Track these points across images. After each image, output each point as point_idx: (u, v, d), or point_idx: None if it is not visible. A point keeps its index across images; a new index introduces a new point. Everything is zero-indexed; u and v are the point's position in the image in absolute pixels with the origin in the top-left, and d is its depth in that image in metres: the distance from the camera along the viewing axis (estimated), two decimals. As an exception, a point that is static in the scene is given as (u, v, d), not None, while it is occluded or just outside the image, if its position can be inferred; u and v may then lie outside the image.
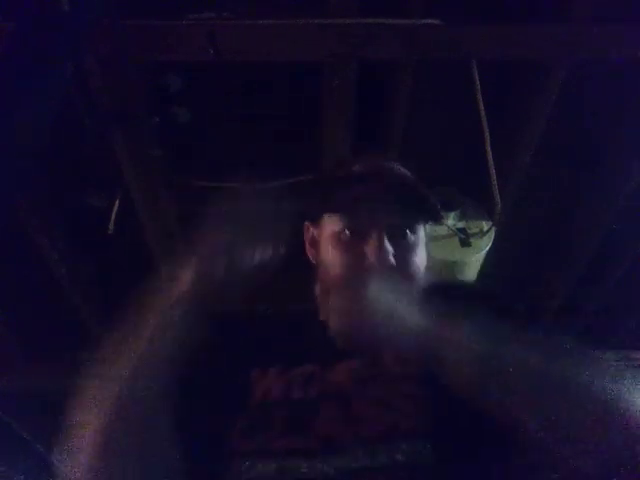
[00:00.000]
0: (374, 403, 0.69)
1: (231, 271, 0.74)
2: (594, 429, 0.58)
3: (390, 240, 0.77)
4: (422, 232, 0.83)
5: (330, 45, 1.23)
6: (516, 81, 1.47)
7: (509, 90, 1.49)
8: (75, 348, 2.29)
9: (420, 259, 0.81)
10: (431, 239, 1.67)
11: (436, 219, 0.87)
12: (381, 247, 0.76)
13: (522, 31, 1.26)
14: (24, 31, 0.95)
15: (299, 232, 0.95)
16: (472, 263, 1.69)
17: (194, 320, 0.71)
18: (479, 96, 1.37)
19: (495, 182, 1.52)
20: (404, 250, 0.79)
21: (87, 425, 0.70)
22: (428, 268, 0.83)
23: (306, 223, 0.94)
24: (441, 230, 1.68)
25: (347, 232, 0.80)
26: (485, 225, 1.69)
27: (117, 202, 1.61)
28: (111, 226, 1.60)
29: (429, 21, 1.22)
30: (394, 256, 0.77)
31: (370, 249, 0.76)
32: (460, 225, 1.69)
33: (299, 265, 0.91)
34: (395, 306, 0.69)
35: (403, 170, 0.86)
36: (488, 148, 1.45)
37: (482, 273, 1.78)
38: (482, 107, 1.38)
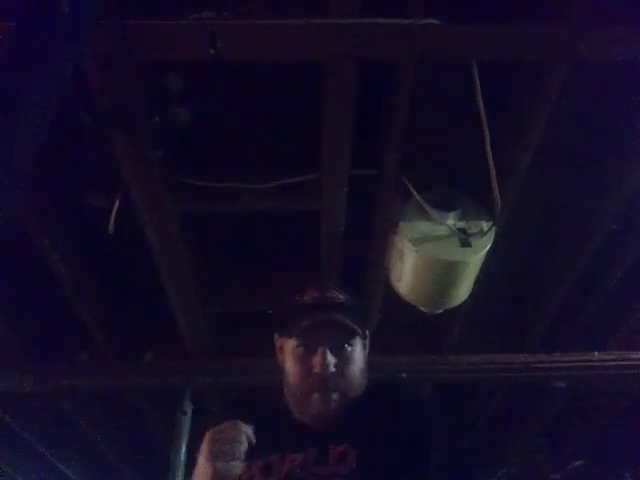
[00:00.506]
0: None
1: None
2: None
3: (332, 353, 1.08)
4: (358, 344, 1.14)
5: (330, 45, 1.23)
6: (516, 81, 1.47)
7: (509, 90, 1.49)
8: (75, 348, 2.31)
9: (357, 366, 1.11)
10: (431, 239, 1.68)
11: (365, 338, 1.17)
12: (324, 360, 1.06)
13: (522, 31, 1.26)
14: (24, 31, 0.95)
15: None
16: (472, 263, 1.69)
17: None
18: (479, 96, 1.37)
19: (495, 182, 1.52)
20: (343, 360, 1.09)
21: None
22: (364, 370, 1.14)
23: (276, 334, 1.22)
24: (441, 230, 1.68)
25: (300, 348, 1.10)
26: (485, 225, 1.69)
27: (117, 202, 1.61)
28: (111, 226, 1.60)
29: (429, 21, 1.22)
30: (335, 365, 1.07)
31: (317, 361, 1.07)
32: (460, 225, 1.69)
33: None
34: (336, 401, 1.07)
35: (342, 297, 1.17)
36: (488, 148, 1.45)
37: (482, 273, 1.78)
38: (482, 107, 1.38)
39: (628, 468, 3.53)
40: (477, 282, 1.80)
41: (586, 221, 1.81)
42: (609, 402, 2.96)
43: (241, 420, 1.05)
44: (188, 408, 2.35)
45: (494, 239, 1.69)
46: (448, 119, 1.59)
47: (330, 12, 1.21)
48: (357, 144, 1.50)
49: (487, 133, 1.42)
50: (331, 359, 1.07)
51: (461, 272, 1.70)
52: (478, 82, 1.35)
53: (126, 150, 1.44)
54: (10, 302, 2.00)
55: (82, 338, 2.22)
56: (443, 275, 1.70)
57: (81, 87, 1.28)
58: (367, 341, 1.20)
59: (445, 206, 1.69)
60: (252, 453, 1.03)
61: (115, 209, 1.60)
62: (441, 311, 1.87)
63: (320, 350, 1.08)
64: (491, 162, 1.47)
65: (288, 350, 1.15)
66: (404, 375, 2.28)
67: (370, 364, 1.18)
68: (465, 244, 1.66)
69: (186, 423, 2.34)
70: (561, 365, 2.40)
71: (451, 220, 1.69)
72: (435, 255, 1.66)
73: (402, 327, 2.34)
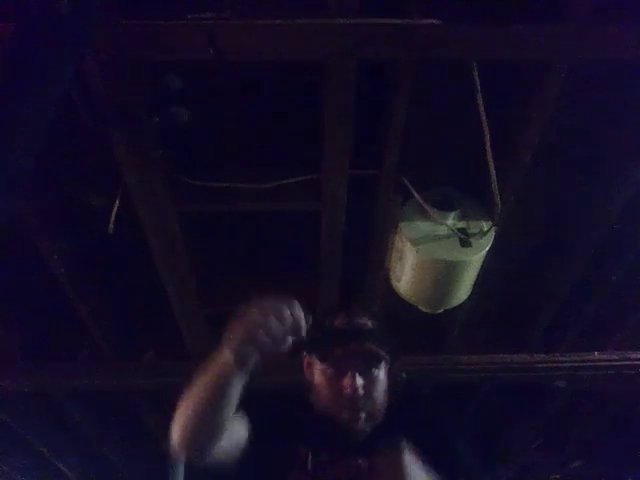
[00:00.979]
0: None
1: None
2: None
3: (360, 375, 1.17)
4: (383, 368, 1.23)
5: (330, 45, 1.23)
6: (516, 81, 1.47)
7: (509, 90, 1.49)
8: (75, 348, 2.31)
9: (382, 387, 1.21)
10: (431, 239, 1.68)
11: (392, 361, 1.25)
12: (354, 382, 1.16)
13: (522, 31, 1.26)
14: (24, 31, 0.95)
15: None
16: (472, 263, 1.69)
17: None
18: (479, 96, 1.37)
19: (495, 182, 1.52)
20: (370, 382, 1.19)
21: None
22: (387, 391, 1.23)
23: (304, 352, 1.29)
24: (441, 230, 1.68)
25: (331, 370, 1.20)
26: (485, 225, 1.69)
27: (117, 202, 1.61)
28: (111, 226, 1.60)
29: (429, 21, 1.22)
30: (363, 387, 1.17)
31: (346, 383, 1.17)
32: (460, 225, 1.69)
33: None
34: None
35: (372, 324, 1.25)
36: (488, 148, 1.45)
37: (482, 273, 1.78)
38: (482, 107, 1.38)
39: (628, 468, 3.54)
40: (477, 282, 1.80)
41: (586, 221, 1.81)
42: (609, 402, 2.96)
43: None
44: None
45: (494, 239, 1.69)
46: (448, 119, 1.59)
47: (330, 12, 1.21)
48: (357, 144, 1.50)
49: (487, 133, 1.42)
50: (360, 382, 1.16)
51: (461, 272, 1.70)
52: (478, 82, 1.35)
53: (126, 150, 1.44)
54: (10, 302, 2.00)
55: (82, 338, 2.22)
56: (443, 275, 1.70)
57: (81, 87, 1.28)
58: (390, 362, 1.28)
59: (445, 206, 1.70)
60: (310, 441, 1.16)
61: (115, 209, 1.60)
62: (441, 311, 1.87)
63: (350, 374, 1.17)
64: (491, 162, 1.47)
65: (317, 369, 1.23)
66: (404, 375, 2.28)
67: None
68: (465, 244, 1.66)
69: (186, 423, 2.34)
70: (561, 365, 2.40)
71: (451, 220, 1.69)
72: (435, 255, 1.66)
73: (402, 327, 2.34)
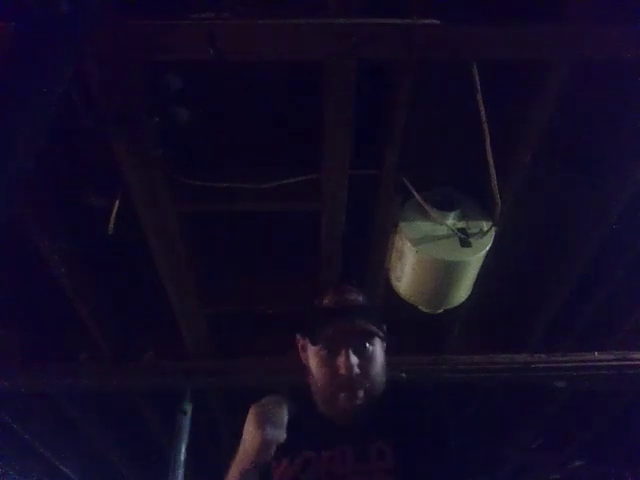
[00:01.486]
0: None
1: None
2: None
3: (355, 354, 1.15)
4: (378, 344, 1.20)
5: (330, 45, 1.23)
6: (516, 81, 1.47)
7: (509, 90, 1.49)
8: (75, 348, 2.31)
9: (379, 363, 1.19)
10: (431, 239, 1.68)
11: (384, 337, 1.23)
12: (348, 361, 1.13)
13: (522, 31, 1.26)
14: (24, 31, 0.95)
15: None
16: (472, 263, 1.69)
17: None
18: (479, 96, 1.37)
19: (495, 182, 1.52)
20: (366, 360, 1.16)
21: None
22: (384, 368, 1.21)
23: (297, 335, 1.28)
24: (441, 230, 1.68)
25: (324, 351, 1.17)
26: (485, 225, 1.69)
27: (117, 202, 1.61)
28: (111, 226, 1.60)
29: (429, 21, 1.22)
30: (358, 365, 1.14)
31: (341, 363, 1.14)
32: (460, 225, 1.69)
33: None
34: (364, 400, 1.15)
35: (360, 299, 1.23)
36: (488, 148, 1.45)
37: (482, 273, 1.78)
38: (482, 107, 1.38)
39: (628, 468, 3.53)
40: (477, 282, 1.80)
41: (586, 221, 1.81)
42: (609, 402, 2.96)
43: None
44: (188, 408, 2.35)
45: (494, 239, 1.69)
46: (448, 119, 1.59)
47: (330, 12, 1.21)
48: (357, 144, 1.50)
49: (487, 133, 1.42)
50: (354, 360, 1.14)
51: (461, 272, 1.70)
52: (478, 82, 1.35)
53: (126, 150, 1.44)
54: (10, 302, 2.00)
55: (82, 338, 2.22)
56: (443, 275, 1.70)
57: (81, 87, 1.28)
58: (385, 337, 1.25)
59: (445, 206, 1.70)
60: (285, 450, 1.11)
61: (115, 209, 1.60)
62: (441, 311, 1.87)
63: (344, 352, 1.14)
64: (491, 162, 1.47)
65: (312, 352, 1.21)
66: (404, 375, 2.28)
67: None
68: (465, 244, 1.66)
69: (186, 423, 2.35)
70: (561, 365, 2.40)
71: (451, 220, 1.69)
72: (435, 255, 1.66)
73: (402, 327, 2.34)
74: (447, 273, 1.69)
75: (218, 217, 1.83)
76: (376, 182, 1.66)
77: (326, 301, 1.23)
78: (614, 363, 2.38)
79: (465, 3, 1.25)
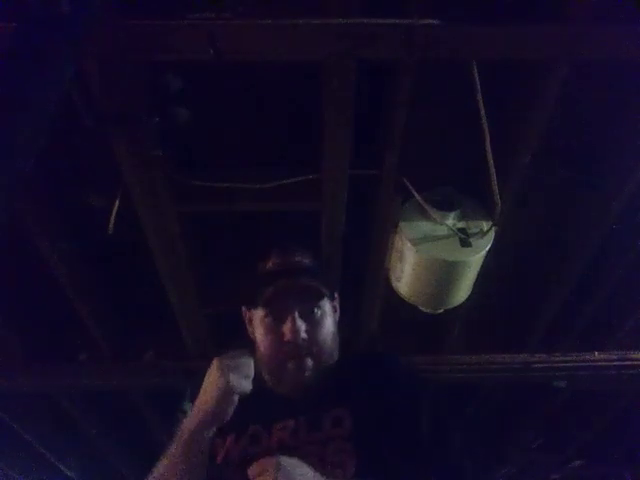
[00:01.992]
0: (311, 454, 0.94)
1: None
2: None
3: (301, 318, 1.06)
4: (327, 306, 1.12)
5: (329, 45, 1.23)
6: (516, 81, 1.47)
7: (509, 90, 1.50)
8: (75, 348, 2.31)
9: (327, 328, 1.10)
10: (431, 239, 1.68)
11: (332, 297, 1.15)
12: (294, 326, 1.04)
13: (522, 31, 1.26)
14: (24, 31, 0.95)
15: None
16: (472, 263, 1.69)
17: None
18: (479, 96, 1.37)
19: (495, 182, 1.52)
20: (313, 325, 1.07)
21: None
22: (336, 334, 1.12)
23: (243, 308, 1.21)
24: (441, 230, 1.68)
25: (269, 318, 1.08)
26: (485, 225, 1.69)
27: (117, 202, 1.61)
28: (111, 226, 1.60)
29: (429, 21, 1.22)
30: (306, 331, 1.06)
31: (287, 329, 1.05)
32: (460, 225, 1.69)
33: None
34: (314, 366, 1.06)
35: (306, 260, 1.15)
36: (488, 148, 1.45)
37: (482, 273, 1.78)
38: (482, 107, 1.38)
39: (628, 468, 3.54)
40: (477, 282, 1.80)
41: (586, 221, 1.81)
42: (609, 402, 2.96)
43: None
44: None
45: (494, 239, 1.69)
46: (448, 119, 1.59)
47: (330, 12, 1.21)
48: (357, 144, 1.50)
49: (487, 133, 1.42)
50: (301, 325, 1.05)
51: (461, 272, 1.70)
52: (478, 82, 1.35)
53: (126, 150, 1.44)
54: (10, 302, 2.00)
55: (82, 338, 2.22)
56: (443, 275, 1.70)
57: (81, 87, 1.28)
58: (337, 303, 1.18)
59: (445, 206, 1.70)
60: (230, 426, 1.02)
61: (115, 209, 1.60)
62: (441, 311, 1.87)
63: (289, 317, 1.06)
64: (491, 162, 1.47)
65: (257, 321, 1.12)
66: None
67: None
68: (465, 244, 1.66)
69: (186, 423, 2.34)
70: (561, 365, 2.40)
71: (451, 220, 1.69)
72: (435, 255, 1.66)
73: (402, 327, 2.34)
74: (447, 273, 1.69)
75: (218, 217, 1.83)
76: (376, 182, 1.66)
77: (269, 264, 1.15)
78: (614, 363, 2.38)
79: (465, 3, 1.25)
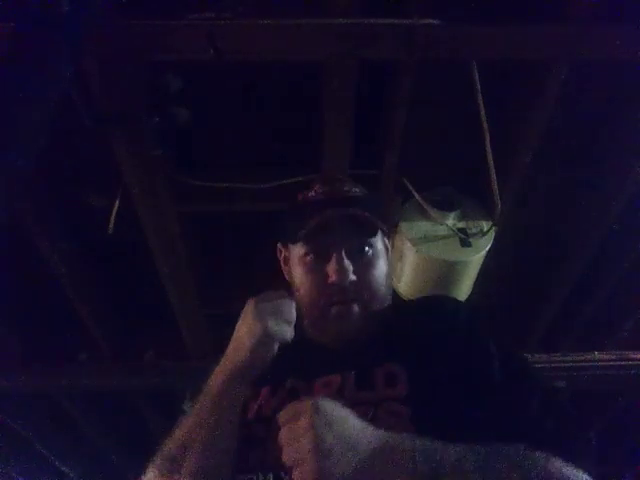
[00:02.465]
0: (360, 416, 0.73)
1: None
2: None
3: (349, 258, 0.88)
4: (380, 244, 0.93)
5: (330, 45, 1.23)
6: (516, 81, 1.47)
7: (509, 90, 1.49)
8: (75, 348, 2.31)
9: (380, 270, 0.91)
10: (431, 239, 1.68)
11: (388, 232, 0.96)
12: (341, 266, 0.86)
13: (522, 31, 1.26)
14: (24, 31, 0.95)
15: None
16: (472, 263, 1.69)
17: None
18: (479, 96, 1.37)
19: (495, 182, 1.52)
20: (363, 265, 0.89)
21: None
22: (389, 276, 0.94)
23: (278, 245, 1.02)
24: (441, 230, 1.68)
25: (310, 256, 0.90)
26: (485, 225, 1.69)
27: (117, 202, 1.61)
28: (111, 226, 1.60)
29: (429, 21, 1.22)
30: (354, 272, 0.87)
31: (332, 269, 0.87)
32: (460, 225, 1.69)
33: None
34: (365, 315, 0.88)
35: (356, 190, 0.95)
36: (488, 148, 1.45)
37: (482, 273, 1.78)
38: (482, 107, 1.38)
39: (628, 468, 3.53)
40: (477, 282, 1.80)
41: (586, 221, 1.81)
42: (609, 402, 2.96)
43: None
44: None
45: (494, 239, 1.69)
46: (448, 119, 1.59)
47: (330, 12, 1.21)
48: (357, 144, 1.50)
49: (487, 133, 1.42)
50: (349, 265, 0.87)
51: (461, 272, 1.70)
52: (478, 82, 1.35)
53: (126, 150, 1.44)
54: (10, 303, 2.00)
55: (82, 338, 2.22)
56: (443, 275, 1.70)
57: (81, 87, 1.28)
58: (390, 242, 1.00)
59: (445, 206, 1.70)
60: (264, 380, 0.88)
61: (115, 209, 1.60)
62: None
63: (335, 255, 0.87)
64: (491, 162, 1.47)
65: (295, 260, 0.94)
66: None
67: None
68: (465, 244, 1.66)
69: (186, 423, 2.34)
70: (561, 365, 2.40)
71: (451, 220, 1.69)
72: (435, 255, 1.66)
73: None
74: (447, 273, 1.69)
75: (218, 217, 1.83)
76: (376, 182, 1.66)
77: (312, 193, 0.95)
78: (614, 363, 2.38)
79: (465, 3, 1.25)
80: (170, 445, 0.83)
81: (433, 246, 1.67)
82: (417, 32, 1.22)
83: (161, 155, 1.48)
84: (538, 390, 0.82)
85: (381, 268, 0.92)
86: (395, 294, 0.98)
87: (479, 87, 1.36)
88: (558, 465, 0.68)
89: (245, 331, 0.85)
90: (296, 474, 0.65)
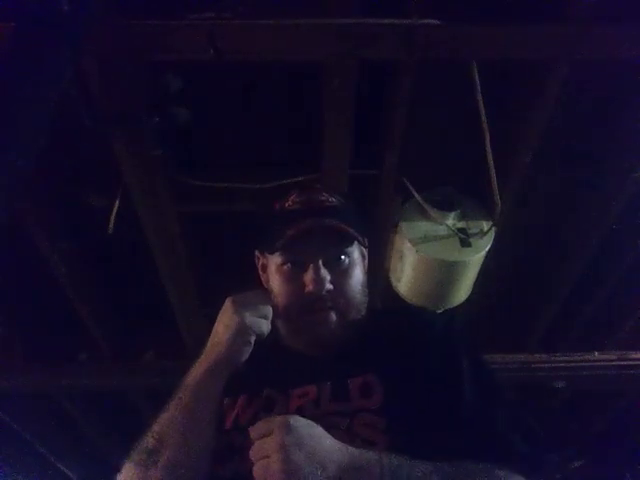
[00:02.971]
0: (337, 427, 0.77)
1: None
2: None
3: (326, 267, 0.89)
4: (356, 253, 0.96)
5: (330, 45, 1.23)
6: (516, 81, 1.47)
7: (509, 90, 1.49)
8: (75, 348, 2.31)
9: (356, 279, 0.94)
10: (431, 239, 1.68)
11: (363, 242, 0.98)
12: (318, 276, 0.88)
13: (522, 31, 1.26)
14: (24, 31, 0.95)
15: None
16: (472, 263, 1.69)
17: None
18: (479, 96, 1.37)
19: (495, 182, 1.52)
20: (340, 275, 0.91)
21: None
22: (365, 285, 0.97)
23: (256, 252, 1.04)
24: (441, 230, 1.68)
25: (287, 265, 0.91)
26: (485, 225, 1.69)
27: (117, 202, 1.61)
28: (111, 226, 1.60)
29: (429, 21, 1.22)
30: (331, 281, 0.89)
31: (308, 278, 0.88)
32: (460, 225, 1.69)
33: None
34: (339, 325, 0.90)
35: (333, 199, 0.96)
36: (488, 148, 1.45)
37: (482, 273, 1.78)
38: (482, 107, 1.38)
39: (628, 468, 3.53)
40: (477, 282, 1.80)
41: (586, 221, 1.81)
42: (609, 402, 2.96)
43: None
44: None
45: (494, 239, 1.69)
46: (448, 119, 1.58)
47: (330, 12, 1.21)
48: (357, 144, 1.50)
49: (487, 133, 1.42)
50: (326, 274, 0.89)
51: (461, 272, 1.70)
52: (478, 82, 1.35)
53: (126, 150, 1.44)
54: (10, 302, 2.00)
55: (82, 338, 2.22)
56: (443, 275, 1.70)
57: (81, 87, 1.28)
58: (367, 251, 1.03)
59: (445, 206, 1.70)
60: (241, 386, 0.89)
61: (115, 209, 1.60)
62: (441, 311, 1.87)
63: (312, 265, 0.88)
64: (491, 162, 1.47)
65: (272, 268, 0.95)
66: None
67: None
68: (465, 244, 1.66)
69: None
70: (561, 365, 2.40)
71: (451, 220, 1.69)
72: (435, 255, 1.66)
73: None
74: (447, 273, 1.69)
75: (218, 217, 1.83)
76: (376, 182, 1.66)
77: (289, 203, 0.94)
78: (614, 363, 2.38)
79: (465, 3, 1.25)
80: (147, 438, 0.85)
81: (433, 246, 1.67)
82: (417, 32, 1.22)
83: (161, 155, 1.48)
84: (505, 405, 0.85)
85: (357, 277, 0.95)
86: (370, 302, 1.01)
87: (479, 87, 1.36)
88: None
89: (223, 326, 0.88)
90: None
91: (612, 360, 2.38)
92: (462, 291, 1.79)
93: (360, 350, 0.90)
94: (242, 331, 0.86)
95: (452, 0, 1.26)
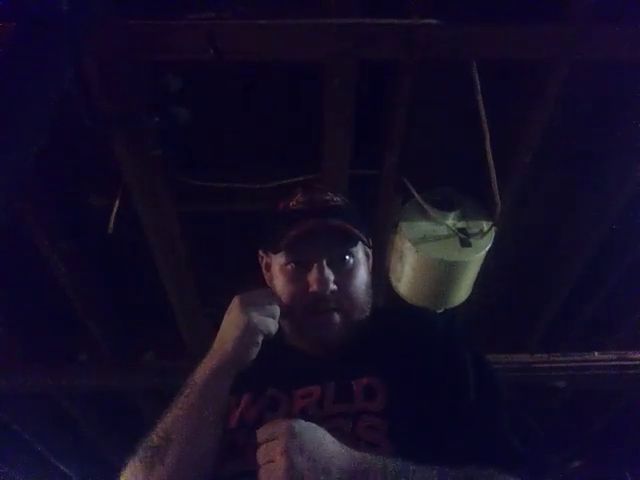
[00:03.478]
0: (337, 429, 0.76)
1: None
2: None
3: (330, 267, 0.89)
4: (360, 253, 0.96)
5: (330, 45, 1.23)
6: (516, 81, 1.47)
7: (509, 90, 1.50)
8: (75, 348, 2.31)
9: (360, 280, 0.94)
10: (431, 239, 1.68)
11: (367, 242, 0.97)
12: (322, 276, 0.88)
13: (522, 31, 1.26)
14: (24, 31, 0.95)
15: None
16: (472, 263, 1.69)
17: None
18: (479, 96, 1.37)
19: (495, 182, 1.52)
20: (344, 275, 0.91)
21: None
22: (369, 286, 0.97)
23: (260, 251, 1.03)
24: (441, 230, 1.68)
25: (291, 265, 0.92)
26: (485, 225, 1.69)
27: (117, 202, 1.61)
28: (111, 226, 1.60)
29: (429, 21, 1.22)
30: (335, 282, 0.89)
31: (312, 278, 0.89)
32: (460, 225, 1.69)
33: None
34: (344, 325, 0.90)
35: (337, 199, 0.96)
36: (488, 148, 1.45)
37: (482, 273, 1.78)
38: (482, 107, 1.38)
39: (628, 468, 3.53)
40: (477, 282, 1.80)
41: (586, 221, 1.81)
42: (609, 402, 2.96)
43: None
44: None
45: (494, 239, 1.69)
46: (448, 119, 1.59)
47: (330, 12, 1.21)
48: (357, 144, 1.50)
49: (487, 133, 1.42)
50: (330, 275, 0.89)
51: (461, 272, 1.70)
52: (478, 82, 1.35)
53: (126, 150, 1.44)
54: (10, 302, 2.00)
55: (82, 338, 2.22)
56: (443, 275, 1.70)
57: (81, 87, 1.28)
58: (371, 251, 1.03)
59: (445, 206, 1.70)
60: (246, 385, 0.89)
61: (115, 209, 1.60)
62: (441, 311, 1.87)
63: (316, 265, 0.89)
64: (491, 162, 1.47)
65: (276, 268, 0.95)
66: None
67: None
68: (465, 244, 1.66)
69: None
70: (561, 365, 2.40)
71: (451, 220, 1.69)
72: (435, 255, 1.66)
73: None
74: (447, 273, 1.69)
75: (218, 217, 1.83)
76: (376, 182, 1.66)
77: (293, 203, 0.94)
78: (614, 363, 2.38)
79: (465, 3, 1.25)
80: (153, 436, 0.84)
81: (433, 246, 1.67)
82: (417, 32, 1.22)
83: (161, 155, 1.48)
84: (506, 406, 0.86)
85: (361, 277, 0.95)
86: (374, 302, 1.01)
87: (479, 87, 1.36)
88: None
89: (230, 325, 0.88)
90: None
91: (612, 360, 2.38)
92: (462, 291, 1.79)
93: (363, 351, 0.90)
94: (250, 330, 0.86)
95: (452, 0, 1.26)
